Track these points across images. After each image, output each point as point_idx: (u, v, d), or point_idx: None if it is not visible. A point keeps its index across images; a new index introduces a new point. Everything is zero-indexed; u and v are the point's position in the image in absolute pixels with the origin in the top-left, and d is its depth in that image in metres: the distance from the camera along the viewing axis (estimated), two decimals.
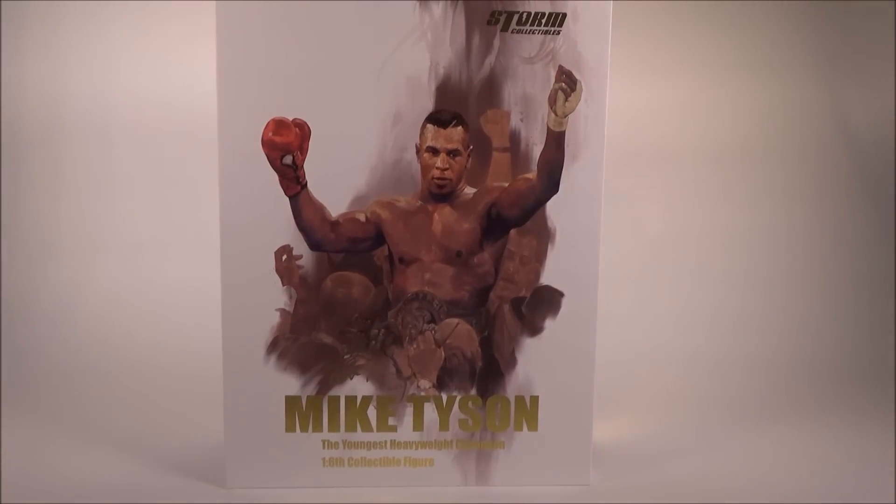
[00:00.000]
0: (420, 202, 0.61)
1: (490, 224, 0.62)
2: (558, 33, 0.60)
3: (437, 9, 0.59)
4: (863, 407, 0.83)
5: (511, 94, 0.60)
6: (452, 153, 0.61)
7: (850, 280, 1.06)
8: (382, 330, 0.63)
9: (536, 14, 0.59)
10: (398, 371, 0.63)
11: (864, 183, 1.10)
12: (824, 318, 1.02)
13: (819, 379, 0.90)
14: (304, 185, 0.60)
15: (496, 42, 0.60)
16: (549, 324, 0.63)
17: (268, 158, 0.60)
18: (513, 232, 0.62)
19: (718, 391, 0.87)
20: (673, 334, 0.99)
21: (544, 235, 0.62)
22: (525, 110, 0.60)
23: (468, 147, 0.61)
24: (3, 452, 0.69)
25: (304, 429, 0.63)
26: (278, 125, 0.59)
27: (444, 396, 0.64)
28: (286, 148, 0.59)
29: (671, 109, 1.10)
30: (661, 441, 0.74)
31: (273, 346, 0.62)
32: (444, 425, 0.64)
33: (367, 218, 0.61)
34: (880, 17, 1.10)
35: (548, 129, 0.61)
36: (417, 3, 0.59)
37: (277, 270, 0.61)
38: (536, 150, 0.61)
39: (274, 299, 0.62)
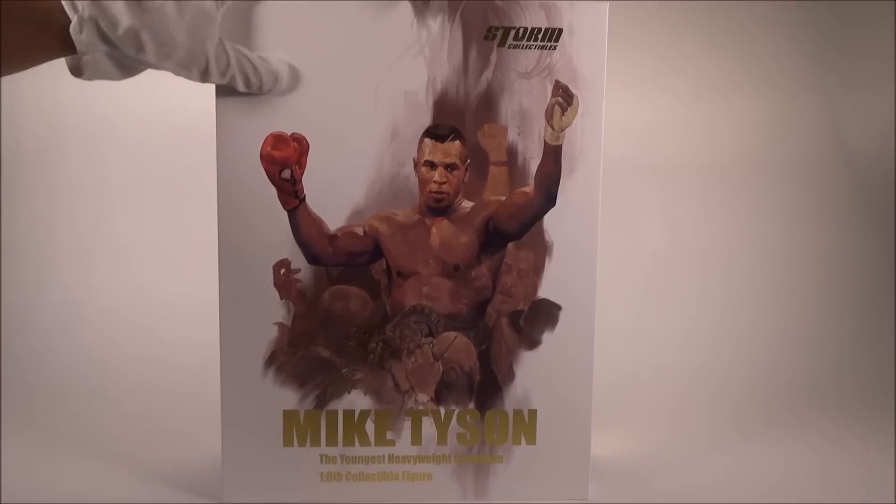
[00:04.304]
0: (418, 216, 0.62)
1: (488, 238, 0.62)
2: (555, 48, 0.60)
3: (435, 24, 0.59)
4: (862, 419, 0.82)
5: (508, 108, 0.61)
6: (450, 167, 0.61)
7: (848, 292, 1.07)
8: (380, 343, 0.63)
9: (533, 29, 0.60)
10: (396, 385, 0.63)
11: (862, 196, 1.11)
12: (822, 328, 1.02)
13: (818, 391, 0.90)
14: (303, 199, 0.60)
15: (493, 57, 0.60)
16: (546, 337, 0.63)
17: (266, 173, 0.60)
18: (510, 245, 0.62)
19: (717, 404, 0.86)
20: (671, 347, 0.99)
21: (542, 249, 0.62)
22: (522, 124, 0.61)
23: (466, 161, 0.61)
24: (2, 469, 0.69)
25: (301, 443, 0.63)
26: (277, 139, 0.60)
27: (443, 410, 0.64)
28: (285, 162, 0.60)
29: (668, 124, 1.11)
30: (661, 455, 0.74)
31: (271, 360, 0.62)
32: (442, 439, 0.64)
33: (365, 232, 0.61)
34: (877, 31, 1.11)
35: (545, 143, 0.61)
36: (415, 19, 0.59)
37: (276, 284, 0.61)
38: (533, 164, 0.61)
39: (272, 313, 0.62)
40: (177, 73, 0.53)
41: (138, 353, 0.95)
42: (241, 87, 0.56)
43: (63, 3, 0.49)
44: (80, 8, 0.49)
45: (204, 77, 0.54)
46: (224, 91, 0.59)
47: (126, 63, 0.53)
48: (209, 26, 0.52)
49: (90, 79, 0.53)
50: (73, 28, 0.49)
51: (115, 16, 0.49)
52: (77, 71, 0.52)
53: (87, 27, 0.49)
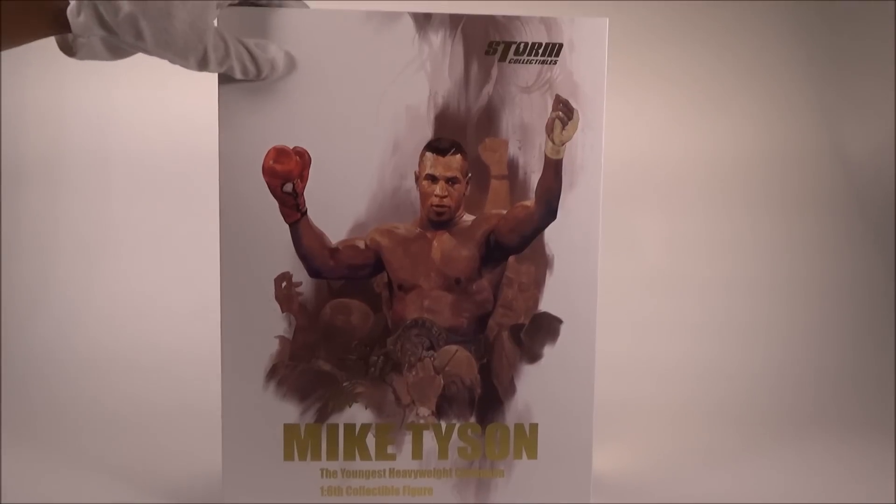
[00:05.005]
0: (419, 229, 0.62)
1: (489, 251, 0.62)
2: (555, 63, 0.61)
3: (437, 39, 0.60)
4: (863, 434, 0.82)
5: (509, 122, 0.61)
6: (451, 181, 0.61)
7: (850, 307, 1.06)
8: (381, 357, 0.63)
9: (533, 44, 0.60)
10: (397, 398, 0.63)
11: (862, 211, 1.11)
12: (823, 342, 1.02)
13: (819, 405, 0.90)
14: (304, 213, 0.61)
15: (494, 72, 0.61)
16: (547, 351, 0.63)
17: (268, 186, 0.60)
18: (511, 259, 0.62)
19: (718, 417, 0.86)
20: (671, 361, 0.99)
21: (542, 262, 0.62)
22: (523, 138, 0.61)
23: (467, 175, 0.61)
24: (2, 481, 0.69)
25: (302, 457, 0.63)
26: (279, 153, 0.60)
27: (444, 424, 0.64)
28: (287, 176, 0.60)
29: (669, 139, 1.11)
30: (662, 469, 0.73)
31: (272, 374, 0.62)
32: (443, 453, 0.64)
33: (366, 245, 0.62)
34: (877, 47, 1.12)
35: (545, 157, 0.61)
36: (417, 34, 0.60)
37: (277, 297, 0.61)
38: (534, 178, 0.62)
39: (273, 326, 0.62)
40: (173, 62, 0.53)
41: (139, 366, 0.94)
42: (238, 75, 0.56)
43: None
44: None
45: (201, 66, 0.53)
46: (227, 104, 0.59)
47: (120, 47, 0.52)
48: (208, 16, 0.52)
49: (82, 59, 0.52)
50: (70, 10, 0.49)
51: (115, 2, 0.49)
52: (68, 51, 0.52)
53: (86, 11, 0.49)
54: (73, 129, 1.05)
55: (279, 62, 0.58)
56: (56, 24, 0.50)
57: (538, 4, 1.06)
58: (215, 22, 0.54)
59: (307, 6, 0.61)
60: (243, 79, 0.57)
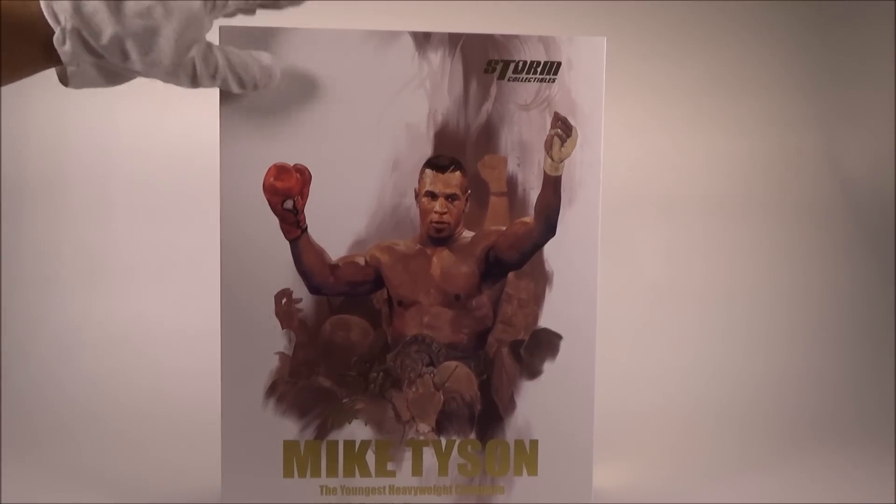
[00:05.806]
0: (419, 246, 0.62)
1: (488, 267, 0.63)
2: (553, 81, 0.61)
3: (436, 58, 0.60)
4: (865, 453, 0.82)
5: (508, 139, 0.62)
6: (451, 197, 0.62)
7: (849, 324, 1.07)
8: (381, 373, 0.63)
9: (532, 63, 0.61)
10: (397, 415, 0.63)
11: (860, 228, 1.11)
12: (823, 359, 1.02)
13: (819, 423, 0.90)
14: (305, 230, 0.61)
15: (493, 90, 0.61)
16: (547, 367, 0.63)
17: (269, 203, 0.60)
18: (511, 275, 0.63)
19: (719, 436, 0.86)
20: (671, 378, 0.99)
21: (542, 278, 0.63)
22: (522, 156, 0.62)
23: (466, 191, 0.62)
24: (1, 499, 0.68)
25: (302, 474, 0.63)
26: (279, 170, 0.60)
27: (443, 441, 0.64)
28: (287, 193, 0.60)
29: (667, 157, 1.12)
30: (663, 486, 0.73)
31: (272, 390, 0.62)
32: (443, 470, 0.64)
33: (366, 261, 0.62)
34: (874, 57, 1.13)
35: (544, 173, 0.62)
36: (416, 53, 0.60)
37: (277, 314, 0.62)
38: (533, 195, 0.62)
39: (273, 343, 0.62)
40: (166, 81, 0.52)
41: (139, 382, 0.94)
42: (235, 88, 0.55)
43: (44, 11, 0.47)
44: (62, 19, 0.47)
45: (194, 83, 0.52)
46: (229, 122, 0.60)
47: (113, 71, 0.51)
48: (197, 30, 0.51)
49: (77, 87, 0.51)
50: (56, 39, 0.48)
51: (97, 25, 0.48)
52: (63, 80, 0.51)
53: (71, 38, 0.48)
54: (74, 149, 1.05)
55: (276, 70, 0.56)
56: (49, 57, 0.49)
57: (537, 23, 1.07)
58: (212, 38, 0.54)
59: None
60: (241, 91, 0.56)
